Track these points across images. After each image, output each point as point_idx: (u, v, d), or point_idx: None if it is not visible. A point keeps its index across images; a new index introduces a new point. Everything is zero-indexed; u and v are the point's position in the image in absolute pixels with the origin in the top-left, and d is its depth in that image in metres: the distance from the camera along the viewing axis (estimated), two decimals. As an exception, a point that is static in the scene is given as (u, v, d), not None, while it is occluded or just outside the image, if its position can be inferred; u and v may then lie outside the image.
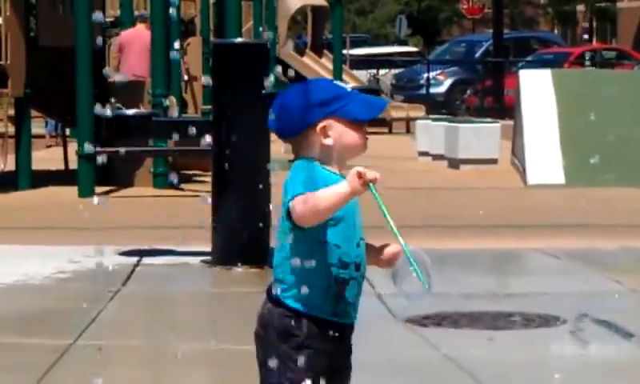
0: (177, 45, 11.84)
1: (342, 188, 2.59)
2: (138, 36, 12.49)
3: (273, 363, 2.79)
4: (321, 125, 2.62)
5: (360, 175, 2.52)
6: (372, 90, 13.45)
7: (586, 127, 10.75)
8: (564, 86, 11.80)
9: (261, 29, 15.81)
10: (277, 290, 2.75)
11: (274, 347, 2.76)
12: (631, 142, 10.93)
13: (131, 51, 12.33)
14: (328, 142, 2.62)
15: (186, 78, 12.97)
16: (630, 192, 10.28)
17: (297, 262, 2.72)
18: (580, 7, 32.84)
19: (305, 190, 2.63)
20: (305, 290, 2.73)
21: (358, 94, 2.77)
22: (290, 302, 2.71)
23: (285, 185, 2.71)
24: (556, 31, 31.87)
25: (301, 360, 2.71)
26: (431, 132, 13.40)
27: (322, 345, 2.69)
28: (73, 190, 10.05)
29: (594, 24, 33.27)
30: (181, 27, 13.10)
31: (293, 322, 2.72)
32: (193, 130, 7.30)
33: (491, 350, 5.09)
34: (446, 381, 4.47)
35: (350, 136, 2.63)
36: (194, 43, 13.80)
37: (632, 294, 6.29)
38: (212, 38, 13.26)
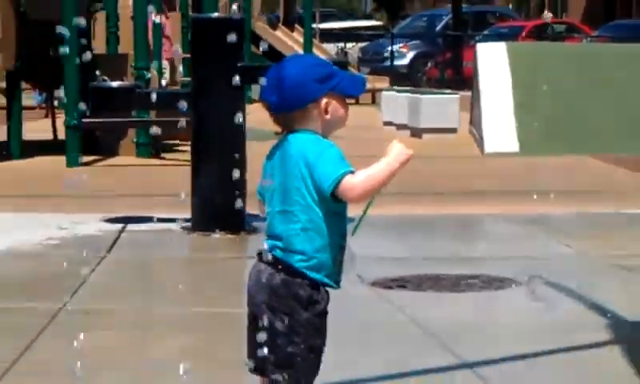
0: (157, 19, 12.00)
1: (392, 166, 2.78)
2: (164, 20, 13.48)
3: (293, 329, 2.90)
4: (325, 100, 2.79)
5: (406, 156, 2.74)
6: (342, 62, 13.58)
7: (539, 98, 10.91)
8: (518, 58, 12.00)
9: (236, 4, 16.00)
10: (292, 260, 2.88)
11: (294, 315, 2.87)
12: (581, 111, 11.04)
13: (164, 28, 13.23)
14: (328, 117, 2.80)
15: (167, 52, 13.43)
16: (580, 159, 10.56)
17: (322, 232, 2.88)
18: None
19: (348, 167, 2.76)
20: (323, 259, 2.89)
21: (344, 71, 2.99)
22: (310, 272, 2.86)
23: (310, 156, 2.82)
24: (511, 6, 33.58)
25: (323, 325, 2.90)
26: (395, 103, 13.79)
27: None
28: (60, 159, 10.25)
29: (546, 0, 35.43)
30: (161, 2, 13.21)
31: (316, 292, 2.87)
32: (174, 104, 7.21)
33: (452, 310, 5.25)
34: (408, 339, 4.59)
35: (341, 111, 2.82)
36: (173, 18, 14.20)
37: (581, 257, 6.50)
38: (190, 13, 13.51)
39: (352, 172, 2.76)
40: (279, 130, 2.95)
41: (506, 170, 10.40)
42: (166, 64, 13.56)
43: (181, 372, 3.76)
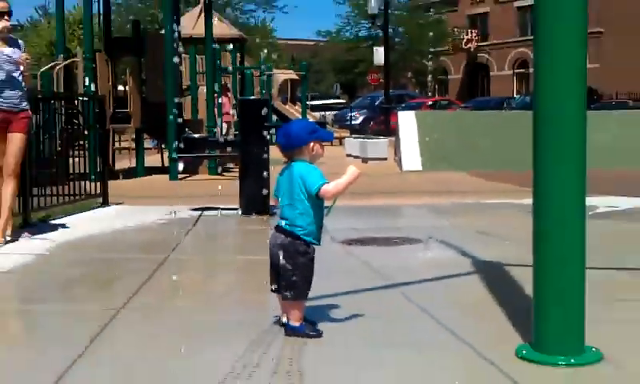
0: (220, 100, 15.08)
1: (349, 179, 3.51)
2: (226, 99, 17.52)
3: (295, 268, 3.58)
4: (312, 144, 3.54)
5: (356, 174, 3.49)
6: (322, 123, 17.16)
7: (431, 140, 14.21)
8: (421, 119, 15.76)
9: (264, 91, 20.34)
10: (295, 230, 3.55)
11: (296, 260, 3.57)
12: (455, 147, 14.25)
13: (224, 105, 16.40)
14: (314, 153, 3.55)
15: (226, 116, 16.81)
16: (456, 174, 13.66)
17: (310, 215, 3.57)
18: (429, 78, 50.76)
19: (324, 179, 3.48)
20: (313, 229, 3.61)
21: (321, 128, 3.72)
22: (306, 237, 3.59)
23: (303, 174, 3.49)
24: (417, 90, 48.20)
25: (312, 265, 3.63)
26: (352, 144, 18.60)
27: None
28: (165, 177, 12.95)
29: (436, 87, 52.60)
30: (220, 87, 15.96)
31: (308, 247, 3.59)
32: (229, 144, 9.35)
33: (386, 256, 6.10)
34: (362, 274, 5.27)
35: (320, 150, 3.60)
36: (230, 97, 17.78)
37: (455, 226, 7.73)
38: (238, 96, 17.34)
39: (327, 182, 3.46)
40: (286, 160, 3.67)
41: (415, 180, 13.04)
42: (225, 125, 16.84)
43: (232, 294, 4.70)
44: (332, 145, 21.04)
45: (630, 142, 14.96)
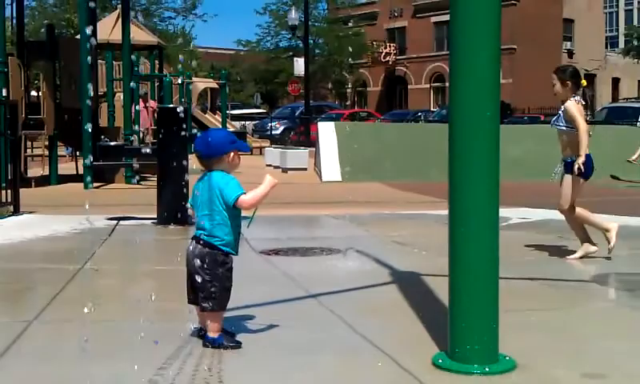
0: (138, 107, 15.08)
1: (266, 189, 3.56)
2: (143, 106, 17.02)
3: (214, 278, 3.57)
4: (231, 154, 3.57)
5: (273, 183, 3.54)
6: (242, 133, 17.56)
7: (350, 151, 14.56)
8: (340, 130, 15.62)
9: (183, 99, 20.19)
10: (213, 240, 3.55)
11: (214, 270, 3.56)
12: (374, 158, 14.68)
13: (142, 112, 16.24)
14: (232, 162, 3.60)
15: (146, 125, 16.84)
16: (375, 184, 14.06)
17: (228, 225, 3.58)
18: (349, 89, 53.86)
19: (242, 189, 3.50)
20: (231, 239, 3.62)
21: (241, 139, 3.71)
22: (224, 248, 3.60)
23: (221, 184, 3.48)
24: (337, 101, 49.46)
25: (230, 275, 3.64)
26: (273, 154, 18.82)
27: None
28: (80, 185, 12.72)
29: (355, 98, 55.16)
30: (139, 95, 16.12)
31: (226, 257, 3.61)
32: (147, 152, 9.40)
33: (304, 266, 6.11)
34: (278, 282, 5.39)
35: (237, 159, 3.62)
36: (153, 104, 17.94)
37: (373, 237, 7.88)
38: (157, 104, 17.21)
39: (244, 193, 3.50)
40: (203, 168, 3.68)
41: (335, 190, 13.23)
42: (143, 131, 16.87)
43: (149, 305, 4.58)
44: (252, 154, 21.55)
45: (540, 155, 15.39)
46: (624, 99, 46.38)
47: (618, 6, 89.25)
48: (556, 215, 6.68)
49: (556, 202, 6.54)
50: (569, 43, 57.94)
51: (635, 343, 3.97)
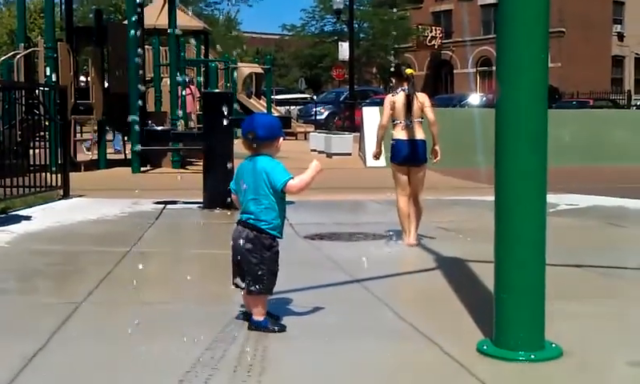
0: (184, 93, 15.02)
1: (312, 174, 3.57)
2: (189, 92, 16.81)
3: (261, 262, 3.60)
4: (280, 139, 3.66)
5: (319, 168, 3.56)
6: (287, 117, 18.04)
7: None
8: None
9: (228, 84, 20.41)
10: (260, 224, 3.58)
11: (262, 254, 3.60)
12: None
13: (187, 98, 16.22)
14: (279, 147, 3.68)
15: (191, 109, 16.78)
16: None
17: (275, 209, 3.62)
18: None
19: (289, 174, 3.55)
20: (278, 223, 3.67)
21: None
22: (271, 231, 3.65)
23: (268, 169, 3.51)
24: (381, 86, 47.26)
25: (277, 259, 3.69)
26: (317, 139, 18.92)
27: None
28: (128, 170, 13.09)
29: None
30: (185, 81, 16.03)
31: (273, 241, 3.66)
32: (193, 136, 9.46)
33: (348, 251, 6.20)
34: (325, 268, 5.43)
35: (280, 144, 3.73)
36: (194, 89, 17.83)
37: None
38: (202, 89, 17.32)
39: (292, 177, 3.56)
40: (251, 153, 3.69)
41: (379, 176, 11.52)
42: (190, 117, 16.90)
43: (195, 288, 4.70)
44: (297, 139, 21.75)
45: (589, 139, 15.18)
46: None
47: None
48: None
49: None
50: (619, 26, 56.74)
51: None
